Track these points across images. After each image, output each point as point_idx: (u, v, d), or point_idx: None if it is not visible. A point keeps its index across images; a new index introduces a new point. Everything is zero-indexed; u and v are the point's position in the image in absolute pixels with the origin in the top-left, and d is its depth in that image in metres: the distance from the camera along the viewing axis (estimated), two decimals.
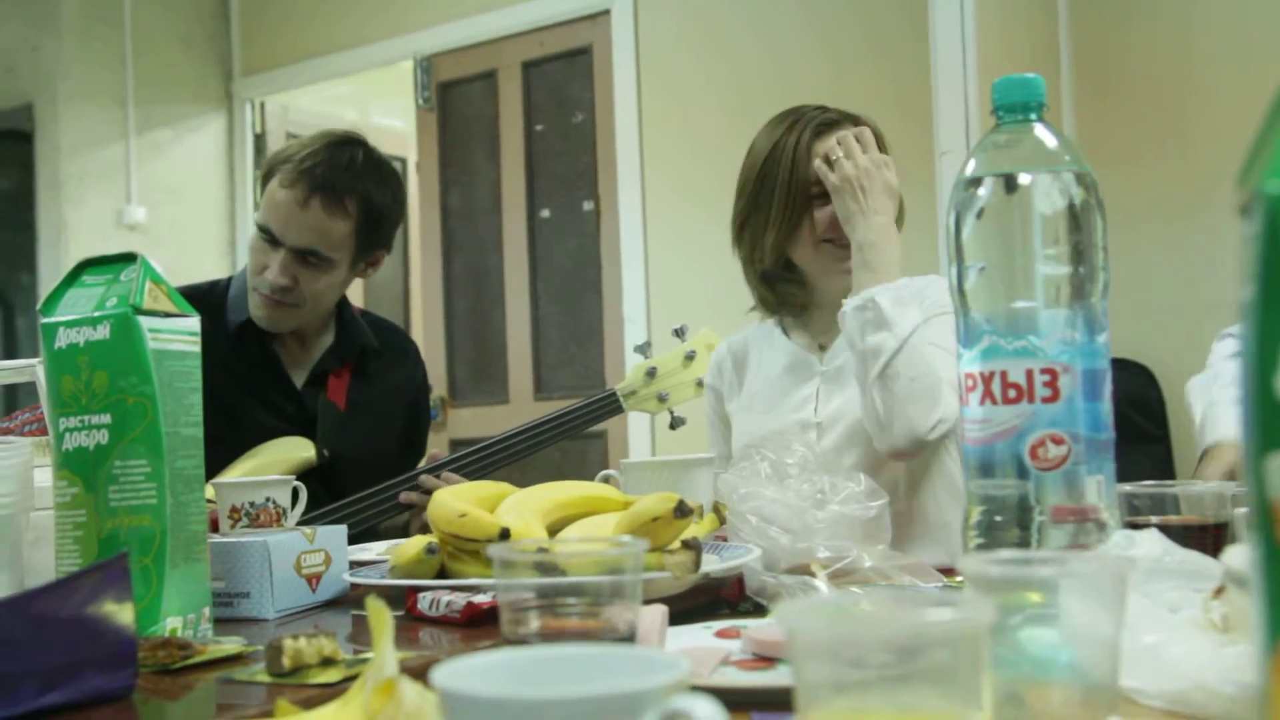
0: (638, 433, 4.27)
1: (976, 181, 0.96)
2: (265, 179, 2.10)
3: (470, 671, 0.55)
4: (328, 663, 0.89)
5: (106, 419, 1.01)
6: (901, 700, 0.56)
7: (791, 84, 3.93)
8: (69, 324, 1.03)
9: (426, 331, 4.94)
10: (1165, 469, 3.38)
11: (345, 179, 2.05)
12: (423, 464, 2.14)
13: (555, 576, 0.75)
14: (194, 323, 1.08)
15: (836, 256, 1.80)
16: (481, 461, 2.07)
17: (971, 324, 0.97)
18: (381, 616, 0.71)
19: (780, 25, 4.09)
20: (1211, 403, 1.86)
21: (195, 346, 1.08)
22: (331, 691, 0.83)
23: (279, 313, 2.11)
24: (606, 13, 4.45)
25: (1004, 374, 0.94)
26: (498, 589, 0.76)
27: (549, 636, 0.73)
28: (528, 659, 0.57)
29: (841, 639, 0.56)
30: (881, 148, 1.83)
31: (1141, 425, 3.46)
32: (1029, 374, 0.94)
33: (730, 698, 0.83)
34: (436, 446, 2.41)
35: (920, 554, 1.66)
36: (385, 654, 0.71)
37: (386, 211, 2.13)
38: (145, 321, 1.02)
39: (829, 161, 1.77)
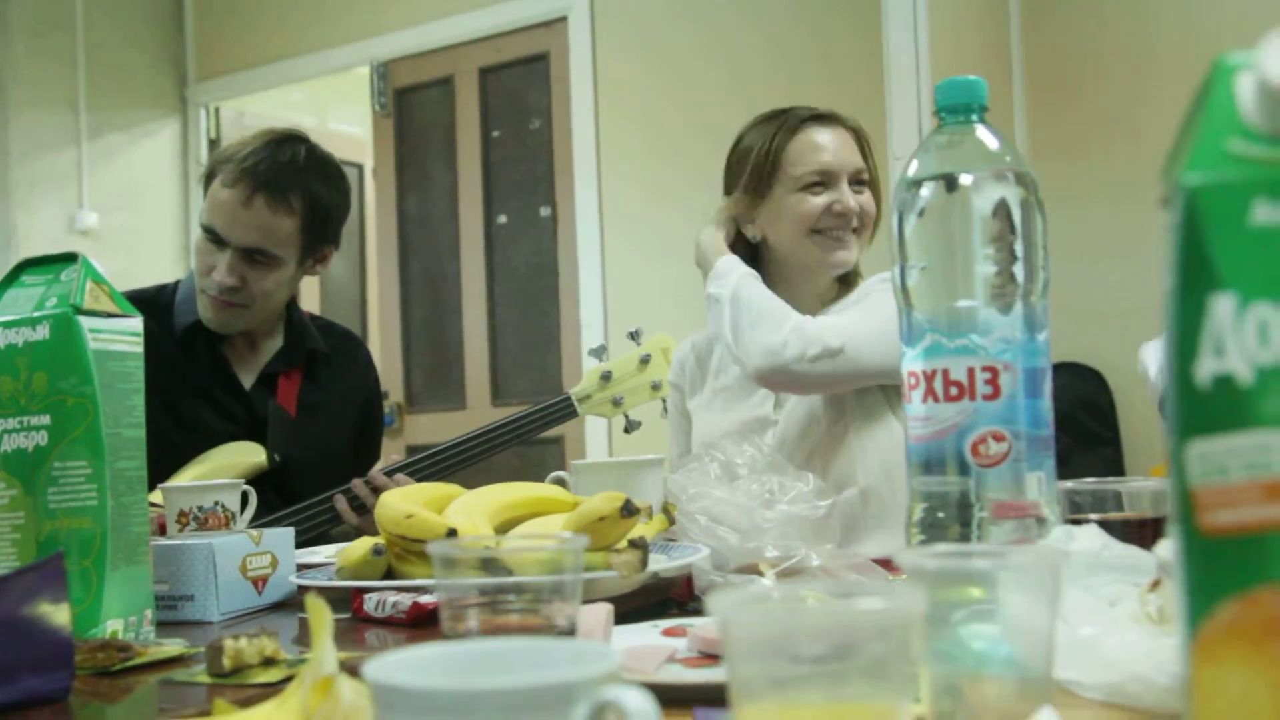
0: (595, 437, 4.27)
1: (918, 182, 0.97)
2: (208, 179, 2.08)
3: (403, 665, 0.54)
4: (269, 663, 0.88)
5: (46, 420, 1.00)
6: (834, 691, 0.57)
7: (746, 90, 3.94)
8: (8, 324, 1.02)
9: (383, 337, 4.91)
10: (1116, 471, 3.42)
11: (288, 176, 2.03)
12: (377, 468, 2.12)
13: (496, 574, 0.74)
14: (136, 323, 1.07)
15: (825, 246, 1.84)
16: (436, 466, 2.06)
17: (914, 323, 0.98)
18: (320, 614, 0.70)
19: (734, 32, 4.11)
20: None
21: (137, 347, 1.07)
22: (272, 691, 0.83)
23: (228, 314, 2.09)
24: (563, 20, 4.45)
25: (946, 372, 0.95)
26: (437, 587, 0.75)
27: (489, 634, 0.73)
28: (461, 653, 0.57)
29: (776, 630, 0.56)
30: (867, 154, 1.90)
31: (1093, 428, 3.50)
32: (970, 372, 0.95)
33: (674, 694, 0.83)
34: (394, 452, 2.39)
35: (878, 543, 1.68)
36: (324, 652, 0.71)
37: (332, 207, 2.12)
38: (86, 322, 1.01)
39: None
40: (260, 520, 1.89)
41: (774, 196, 1.85)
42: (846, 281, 1.92)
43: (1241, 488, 0.46)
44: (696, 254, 1.90)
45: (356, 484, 1.99)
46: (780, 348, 1.68)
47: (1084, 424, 3.48)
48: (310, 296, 5.37)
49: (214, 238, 2.04)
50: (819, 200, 1.83)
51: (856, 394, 1.78)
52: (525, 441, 2.15)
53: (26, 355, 1.01)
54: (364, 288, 5.61)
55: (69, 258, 1.05)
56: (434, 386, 4.84)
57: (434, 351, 4.84)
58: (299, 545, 1.92)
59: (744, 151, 1.90)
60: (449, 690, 0.49)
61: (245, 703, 0.77)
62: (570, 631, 0.74)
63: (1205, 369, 0.47)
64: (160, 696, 0.86)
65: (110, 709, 0.85)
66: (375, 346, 5.04)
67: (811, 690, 0.57)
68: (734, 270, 1.80)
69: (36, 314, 1.01)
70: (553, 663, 0.55)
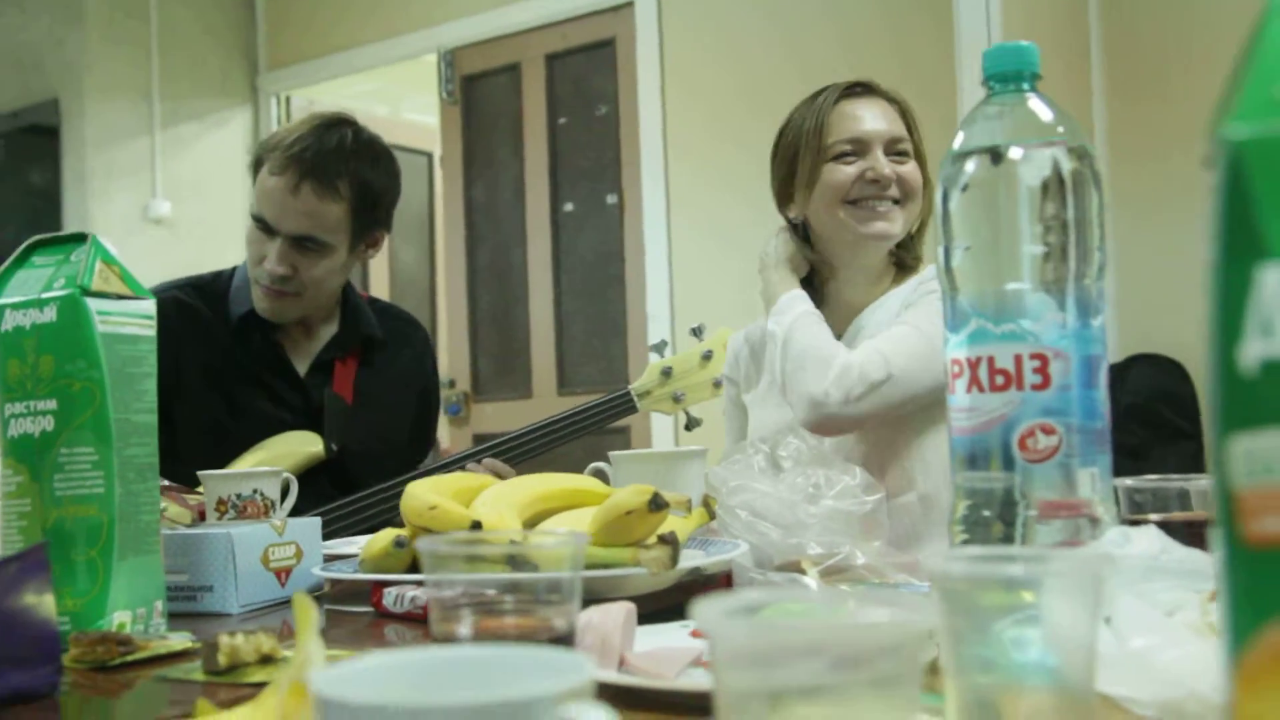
0: (661, 429, 4.22)
1: (964, 155, 0.91)
2: (255, 167, 2.06)
3: (354, 676, 0.50)
4: (266, 660, 0.84)
5: (52, 405, 0.97)
6: (835, 707, 0.51)
7: (813, 77, 3.82)
8: (15, 306, 0.99)
9: (450, 325, 4.90)
10: (1196, 465, 3.29)
11: (335, 161, 2.00)
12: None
13: (518, 569, 0.70)
14: (149, 305, 1.04)
15: (861, 217, 1.77)
16: (501, 457, 2.03)
17: (958, 307, 0.91)
18: (306, 613, 0.66)
19: (802, 18, 4.02)
20: None
21: (150, 330, 1.03)
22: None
23: (281, 302, 2.07)
24: (630, 5, 4.39)
25: (991, 360, 0.88)
26: (426, 584, 0.71)
27: (482, 636, 0.68)
28: (424, 661, 0.52)
29: (766, 645, 0.51)
30: (912, 127, 1.84)
31: (1174, 421, 3.37)
32: (1018, 360, 0.88)
33: (696, 700, 0.78)
34: (461, 442, 2.37)
35: (936, 547, 1.61)
36: (309, 650, 0.66)
37: (381, 191, 2.09)
38: (94, 304, 0.98)
39: None
40: (317, 511, 1.87)
41: (810, 172, 1.79)
42: (905, 266, 1.85)
43: None
44: (762, 283, 1.86)
45: (489, 461, 1.97)
46: (823, 398, 1.62)
47: (1164, 417, 3.36)
48: (380, 285, 5.37)
49: (263, 226, 2.02)
50: (851, 169, 1.77)
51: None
52: (585, 435, 2.12)
53: (34, 338, 0.98)
54: (433, 276, 5.61)
55: (79, 238, 1.02)
56: (500, 375, 4.82)
57: (500, 340, 4.82)
58: (356, 534, 1.90)
59: (784, 133, 1.86)
60: (392, 707, 0.45)
61: (238, 701, 0.73)
62: (569, 634, 0.69)
63: (1251, 352, 0.40)
64: (152, 693, 0.82)
65: (98, 704, 0.81)
66: (443, 335, 5.04)
67: (809, 708, 0.51)
68: (791, 309, 1.74)
69: (44, 295, 0.98)
70: (519, 675, 0.50)
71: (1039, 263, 0.87)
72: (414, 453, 2.30)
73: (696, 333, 2.03)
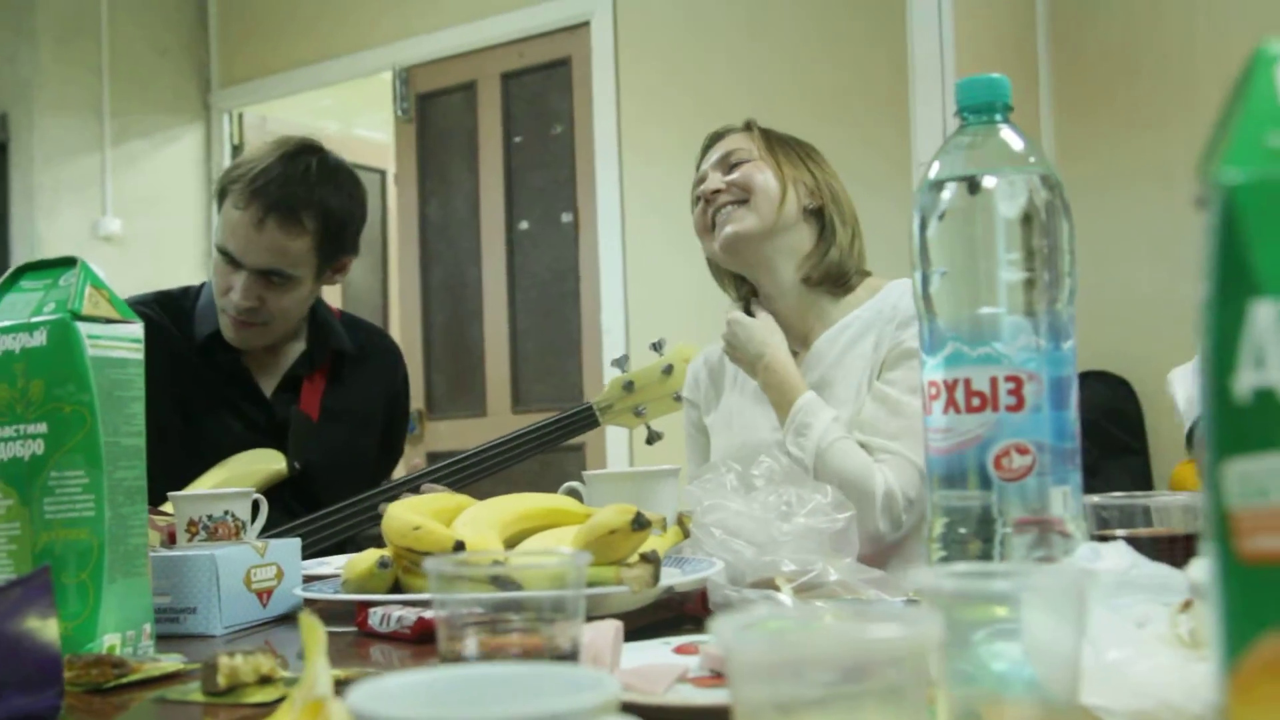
0: (616, 445, 4.24)
1: (940, 184, 0.94)
2: (220, 197, 2.05)
3: (388, 692, 0.51)
4: (265, 681, 0.85)
5: (42, 428, 0.97)
6: (845, 715, 0.53)
7: (768, 96, 3.92)
8: (5, 330, 0.99)
9: (404, 343, 4.89)
10: (1143, 482, 3.37)
11: (299, 193, 2.00)
12: (400, 473, 2.09)
13: (498, 591, 0.71)
14: (137, 329, 1.05)
15: (715, 230, 1.82)
16: (457, 475, 2.04)
17: (935, 330, 0.94)
18: (314, 633, 0.68)
19: (757, 38, 4.08)
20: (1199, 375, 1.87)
21: (138, 354, 1.04)
22: (267, 711, 0.80)
23: (249, 331, 2.07)
24: (586, 25, 4.43)
25: (968, 382, 0.92)
26: (434, 604, 0.72)
27: (488, 654, 0.70)
28: (452, 679, 0.54)
29: (782, 657, 0.53)
30: (754, 133, 1.87)
31: (1120, 437, 3.45)
32: (993, 382, 0.91)
33: (684, 716, 0.80)
34: (415, 458, 2.37)
35: (906, 564, 1.64)
36: (317, 672, 0.68)
37: (347, 218, 2.09)
38: (84, 328, 0.99)
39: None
40: (283, 528, 1.87)
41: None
42: (842, 282, 1.83)
43: None
44: (770, 395, 1.75)
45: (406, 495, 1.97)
46: (876, 534, 1.61)
47: (1111, 433, 3.43)
48: (332, 302, 5.34)
49: (229, 259, 2.02)
50: (700, 204, 1.85)
51: None
52: (546, 450, 2.13)
53: (24, 362, 0.98)
54: (386, 294, 5.61)
55: (68, 262, 1.03)
56: (455, 393, 4.82)
57: (455, 358, 4.83)
58: (322, 553, 1.90)
59: None
60: None
61: None
62: (573, 653, 0.71)
63: (1245, 382, 0.43)
64: (152, 715, 0.83)
65: None
66: None
67: (820, 714, 0.53)
68: (810, 427, 1.66)
69: (34, 319, 0.99)
70: (546, 691, 0.52)
71: (1014, 288, 0.91)
72: (379, 469, 2.30)
73: (656, 347, 2.06)
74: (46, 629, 0.78)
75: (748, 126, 1.89)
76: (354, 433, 2.21)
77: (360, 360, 2.24)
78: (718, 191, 1.81)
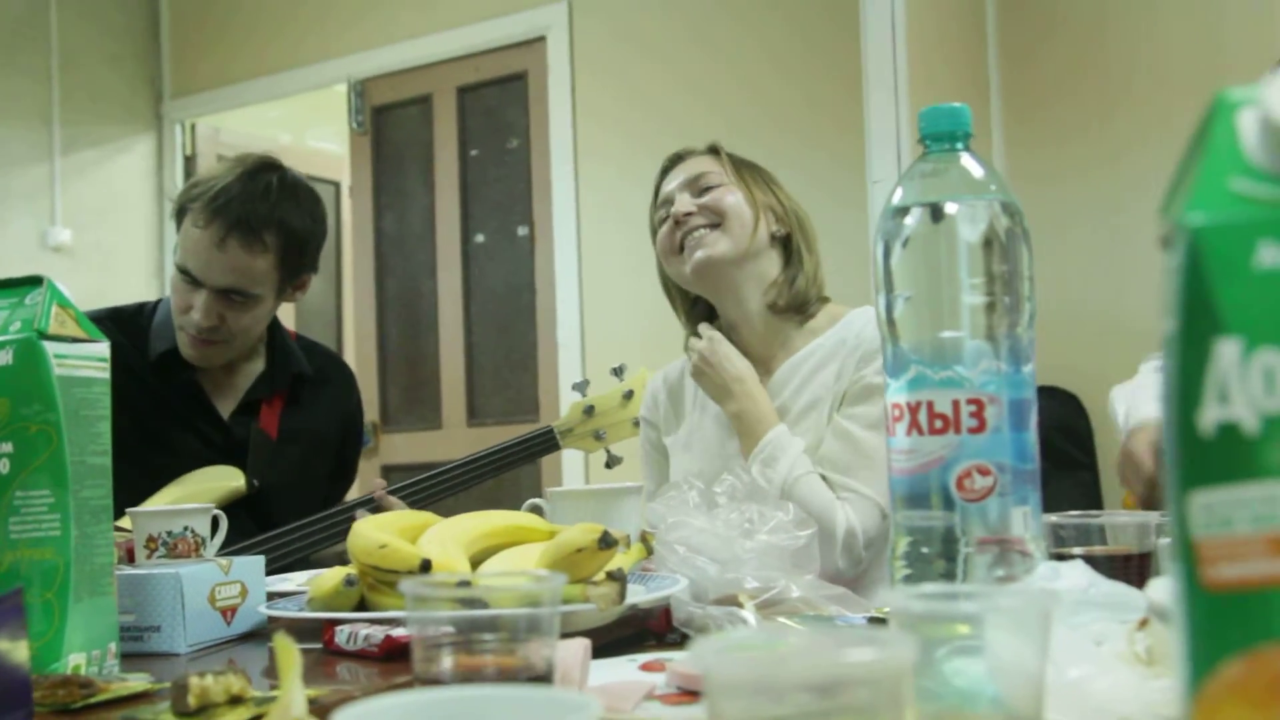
0: (571, 462, 4.24)
1: (903, 210, 0.96)
2: (179, 215, 2.04)
3: (374, 714, 0.52)
4: (236, 701, 0.85)
5: (8, 448, 0.97)
6: None
7: (725, 113, 3.95)
8: None
9: (359, 356, 4.88)
10: (1093, 496, 3.41)
11: (261, 212, 1.99)
12: (355, 492, 2.09)
13: (472, 611, 0.72)
14: (103, 348, 1.04)
15: (685, 258, 1.82)
16: (416, 494, 2.04)
17: (899, 354, 0.96)
18: (289, 654, 0.68)
19: (714, 55, 4.11)
20: (1135, 395, 1.92)
21: (104, 373, 1.04)
22: None
23: (208, 350, 2.06)
24: (542, 39, 4.44)
25: (930, 404, 0.93)
26: (409, 624, 0.73)
27: (464, 674, 0.71)
28: (436, 701, 0.55)
29: (760, 678, 0.55)
30: (720, 156, 1.87)
31: (1069, 452, 3.49)
32: (955, 404, 0.93)
33: None
34: (369, 473, 2.37)
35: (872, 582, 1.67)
36: (292, 693, 0.68)
37: (308, 236, 2.08)
38: (51, 347, 0.98)
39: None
40: (239, 546, 1.86)
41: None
42: (804, 309, 1.84)
43: (1247, 541, 0.44)
44: (742, 422, 1.75)
45: (382, 497, 1.97)
46: (836, 571, 1.63)
47: (1061, 448, 3.48)
48: (285, 315, 5.30)
49: (189, 278, 2.01)
50: (665, 226, 1.85)
51: None
52: (505, 471, 2.14)
53: None
54: (340, 306, 5.58)
55: (34, 280, 1.03)
56: (410, 406, 4.80)
57: (410, 371, 4.81)
58: (274, 571, 1.89)
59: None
60: None
61: None
62: (548, 673, 0.72)
63: (1209, 417, 0.45)
64: None
65: None
66: (350, 365, 5.00)
67: None
68: (781, 457, 1.68)
69: (0, 338, 0.99)
70: (529, 713, 0.53)
71: (976, 312, 0.93)
72: (334, 490, 2.30)
73: (617, 372, 2.07)
74: (16, 650, 0.78)
75: (714, 150, 1.89)
76: (310, 454, 2.21)
77: (318, 383, 2.24)
78: (690, 214, 1.81)
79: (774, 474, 1.67)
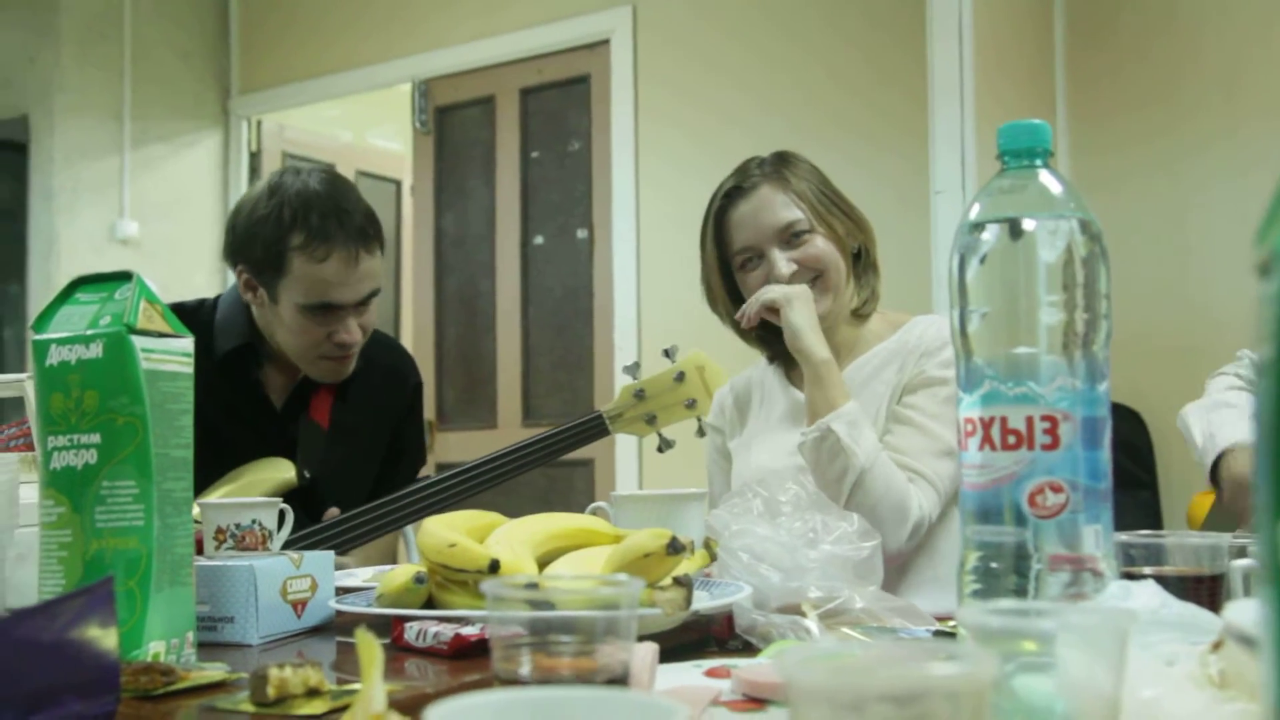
0: (625, 461, 4.26)
1: (980, 226, 0.96)
2: (275, 261, 1.99)
3: (464, 712, 0.54)
4: (313, 693, 0.87)
5: (96, 439, 0.99)
6: None
7: (788, 118, 3.94)
8: (61, 341, 1.02)
9: (416, 354, 4.87)
10: (1153, 515, 3.38)
11: (358, 216, 1.99)
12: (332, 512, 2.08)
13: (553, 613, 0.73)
14: (188, 344, 1.07)
15: None
16: (467, 483, 2.04)
17: (973, 368, 0.96)
18: (371, 649, 0.70)
19: (778, 61, 4.11)
20: (1216, 412, 1.92)
21: (188, 368, 1.07)
22: None
23: (349, 362, 2.09)
24: (605, 43, 4.47)
25: (1004, 420, 0.94)
26: (489, 623, 0.75)
27: (541, 675, 0.72)
28: (522, 701, 0.56)
29: (842, 688, 0.55)
30: (798, 190, 1.84)
31: (1130, 470, 3.46)
32: (1029, 420, 0.93)
33: None
34: (424, 470, 2.38)
35: (928, 598, 1.66)
36: (374, 687, 0.70)
37: (373, 212, 2.09)
38: (138, 341, 1.01)
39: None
40: (291, 537, 1.88)
41: (736, 279, 1.90)
42: (861, 314, 1.89)
43: None
44: (821, 370, 1.74)
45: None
46: (897, 550, 1.68)
47: (1121, 466, 3.44)
48: None
49: (329, 309, 2.01)
50: (757, 275, 1.84)
51: None
52: (555, 459, 2.12)
53: (79, 373, 1.01)
54: (398, 305, 5.63)
55: (123, 276, 1.05)
56: (466, 405, 4.84)
57: (467, 370, 4.85)
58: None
59: (700, 247, 1.93)
60: None
61: None
62: (624, 677, 0.73)
63: None
64: None
65: None
66: None
67: None
68: (865, 429, 1.69)
69: (90, 332, 1.01)
70: (618, 716, 0.54)
71: (1052, 330, 0.93)
72: (398, 471, 2.30)
73: (669, 354, 2.05)
74: (107, 637, 0.80)
75: (778, 174, 1.85)
76: (361, 445, 2.22)
77: (370, 371, 2.25)
78: (793, 275, 1.80)
79: (861, 438, 1.68)
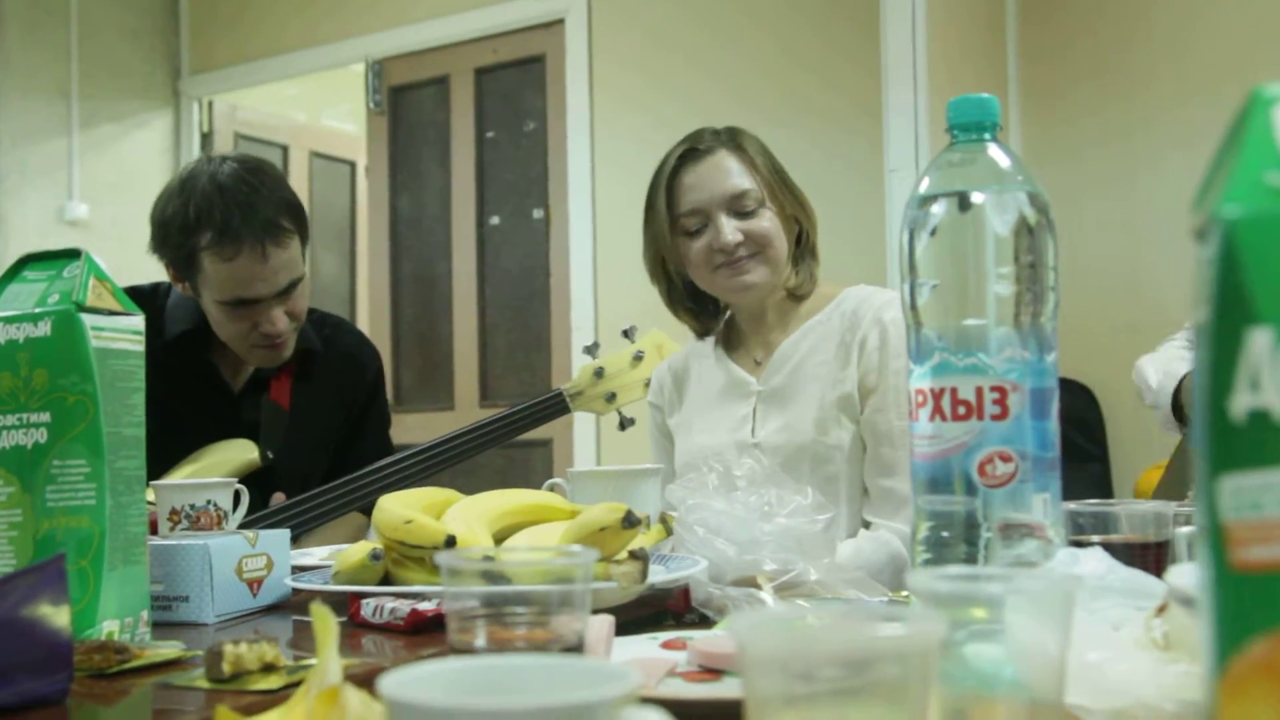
0: (583, 441, 4.27)
1: (930, 199, 0.97)
2: (186, 261, 1.98)
3: (419, 680, 0.54)
4: (269, 669, 0.87)
5: (46, 417, 0.99)
6: (850, 714, 0.56)
7: (744, 98, 3.95)
8: (9, 320, 1.01)
9: (372, 336, 4.88)
10: (1103, 488, 3.43)
11: (267, 208, 1.95)
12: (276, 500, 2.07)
13: (503, 585, 0.74)
14: (138, 321, 1.06)
15: (727, 277, 1.81)
16: (426, 463, 2.04)
17: (923, 340, 0.97)
18: (326, 623, 0.70)
19: (733, 39, 4.11)
20: (1170, 363, 1.97)
21: (139, 345, 1.06)
22: (272, 698, 0.82)
23: (284, 346, 2.07)
24: (560, 22, 4.45)
25: (954, 390, 0.95)
26: (445, 597, 0.75)
27: (496, 646, 0.72)
28: (476, 669, 0.56)
29: (793, 652, 0.56)
30: (753, 163, 1.83)
31: (1081, 444, 3.51)
32: (979, 391, 0.94)
33: (676, 709, 0.83)
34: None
35: None
36: (329, 661, 0.70)
37: (295, 196, 2.06)
38: (88, 319, 1.00)
39: None
40: (252, 517, 1.88)
41: (672, 247, 1.85)
42: (796, 295, 1.88)
43: (1276, 524, 0.46)
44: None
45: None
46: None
47: (1072, 440, 3.49)
48: None
49: (246, 304, 1.98)
50: (699, 243, 1.81)
51: (849, 458, 1.77)
52: (515, 438, 2.12)
53: (27, 351, 1.00)
54: (354, 286, 5.60)
55: (72, 253, 1.05)
56: (423, 386, 4.83)
57: (423, 352, 4.83)
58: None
59: (646, 209, 1.88)
60: (468, 709, 0.49)
61: (246, 710, 0.76)
62: (578, 647, 0.74)
63: (1240, 403, 0.47)
64: (157, 700, 0.85)
65: (106, 712, 0.84)
66: None
67: (826, 709, 0.56)
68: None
69: (38, 310, 1.00)
70: (570, 682, 0.55)
71: (1002, 301, 0.94)
72: (362, 450, 2.28)
73: (628, 334, 2.06)
74: (58, 615, 0.80)
75: (734, 143, 1.84)
76: (316, 430, 2.21)
77: (329, 354, 2.24)
78: (737, 244, 1.79)
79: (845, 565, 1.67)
